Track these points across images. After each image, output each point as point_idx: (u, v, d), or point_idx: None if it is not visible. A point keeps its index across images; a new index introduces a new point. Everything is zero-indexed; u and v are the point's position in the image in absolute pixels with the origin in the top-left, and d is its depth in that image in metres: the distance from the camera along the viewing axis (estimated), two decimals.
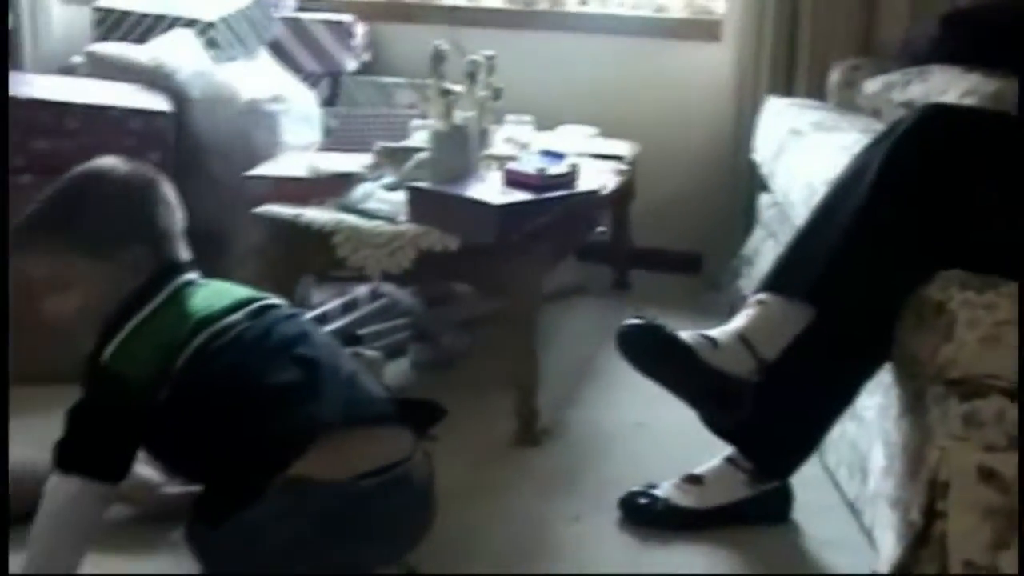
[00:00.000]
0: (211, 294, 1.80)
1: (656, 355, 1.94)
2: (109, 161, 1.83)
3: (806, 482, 2.15)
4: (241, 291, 1.84)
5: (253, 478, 1.65)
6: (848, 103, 2.96)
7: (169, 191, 1.84)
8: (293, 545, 1.64)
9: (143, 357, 1.70)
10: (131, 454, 1.74)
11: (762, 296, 2.00)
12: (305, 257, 2.43)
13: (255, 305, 1.80)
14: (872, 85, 2.75)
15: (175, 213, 1.83)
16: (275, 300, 1.86)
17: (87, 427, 1.70)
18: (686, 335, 1.95)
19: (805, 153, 2.60)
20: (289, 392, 1.69)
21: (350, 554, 1.67)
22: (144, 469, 1.97)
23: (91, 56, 2.94)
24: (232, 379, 1.71)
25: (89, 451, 1.69)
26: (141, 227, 1.78)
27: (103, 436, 1.70)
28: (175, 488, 1.98)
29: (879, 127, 2.27)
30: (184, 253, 1.84)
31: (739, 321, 2.00)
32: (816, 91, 3.17)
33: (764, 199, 3.06)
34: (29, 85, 2.72)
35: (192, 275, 1.83)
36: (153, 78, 2.78)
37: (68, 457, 1.69)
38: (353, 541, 1.66)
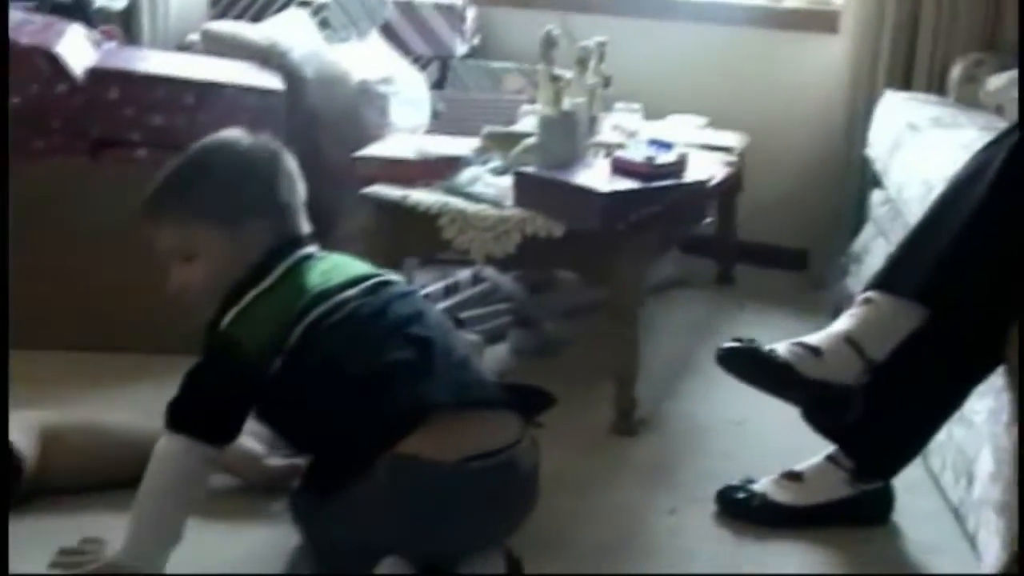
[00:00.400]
0: (329, 268, 1.82)
1: (756, 375, 1.94)
2: (233, 134, 1.87)
3: (909, 485, 2.11)
4: (359, 267, 1.86)
5: (361, 453, 1.67)
6: (969, 99, 2.89)
7: (291, 164, 1.86)
8: (396, 522, 1.66)
9: (259, 326, 1.73)
10: (239, 420, 1.76)
11: (871, 295, 1.96)
12: (410, 239, 2.45)
13: (371, 281, 1.81)
14: (996, 81, 2.68)
15: (297, 186, 1.86)
16: (392, 277, 1.87)
17: (200, 389, 1.74)
18: (785, 350, 1.93)
19: (922, 149, 2.54)
20: (401, 370, 1.70)
21: (451, 535, 1.68)
22: (249, 441, 2.01)
23: (206, 34, 2.99)
24: (345, 354, 1.72)
25: (199, 413, 1.73)
26: (264, 199, 1.81)
27: (214, 399, 1.73)
28: (278, 461, 2.02)
29: (1001, 125, 2.22)
30: (304, 226, 1.86)
31: (845, 322, 1.97)
32: (936, 86, 3.10)
33: (876, 196, 3.00)
34: (146, 61, 2.78)
35: (311, 248, 1.85)
36: (266, 57, 2.82)
37: (178, 417, 1.73)
38: (456, 522, 1.66)
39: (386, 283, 1.83)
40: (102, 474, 1.96)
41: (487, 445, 1.68)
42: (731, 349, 1.95)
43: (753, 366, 1.93)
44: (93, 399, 2.37)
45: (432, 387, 1.68)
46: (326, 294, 1.76)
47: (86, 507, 1.93)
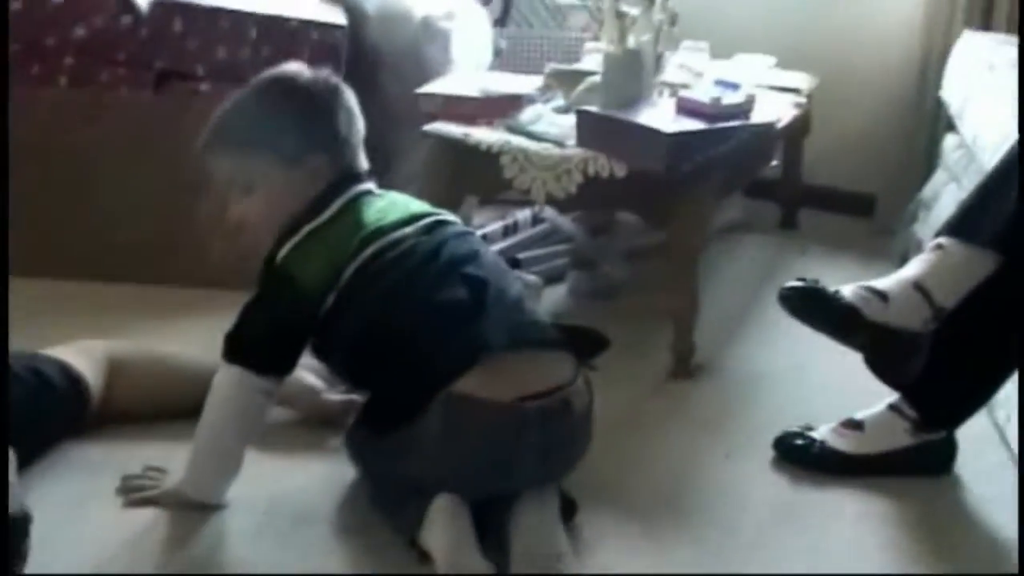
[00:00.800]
0: (386, 206, 1.81)
1: (820, 317, 1.91)
2: (294, 68, 1.86)
3: (973, 436, 2.07)
4: (416, 205, 1.85)
5: (416, 393, 1.67)
6: None
7: (351, 100, 1.86)
8: (450, 462, 1.66)
9: (314, 261, 1.73)
10: (293, 353, 1.78)
11: (942, 241, 1.92)
12: (470, 177, 2.43)
13: (428, 220, 1.81)
14: None
15: (356, 122, 1.85)
16: (448, 217, 1.86)
17: (255, 322, 1.75)
18: (851, 293, 1.90)
19: (1000, 93, 2.47)
20: (456, 310, 1.70)
21: (504, 475, 1.69)
22: (308, 376, 2.02)
23: None
24: (400, 292, 1.72)
25: (253, 345, 1.74)
26: (323, 134, 1.80)
27: (268, 332, 1.75)
28: (336, 396, 2.03)
29: None
30: (363, 163, 1.86)
31: (915, 268, 1.94)
32: (1017, 26, 3.00)
33: (949, 140, 2.93)
34: None
35: (369, 185, 1.84)
36: None
37: (234, 349, 1.74)
38: (509, 463, 1.67)
39: (443, 222, 1.83)
40: (165, 404, 1.99)
41: (540, 386, 1.68)
42: (794, 289, 1.91)
43: (816, 307, 1.90)
44: (157, 331, 2.39)
45: (486, 328, 1.68)
46: (382, 231, 1.76)
47: (150, 436, 1.97)
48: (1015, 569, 1.69)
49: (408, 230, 1.78)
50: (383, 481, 1.78)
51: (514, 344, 1.68)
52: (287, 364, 1.77)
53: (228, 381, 1.73)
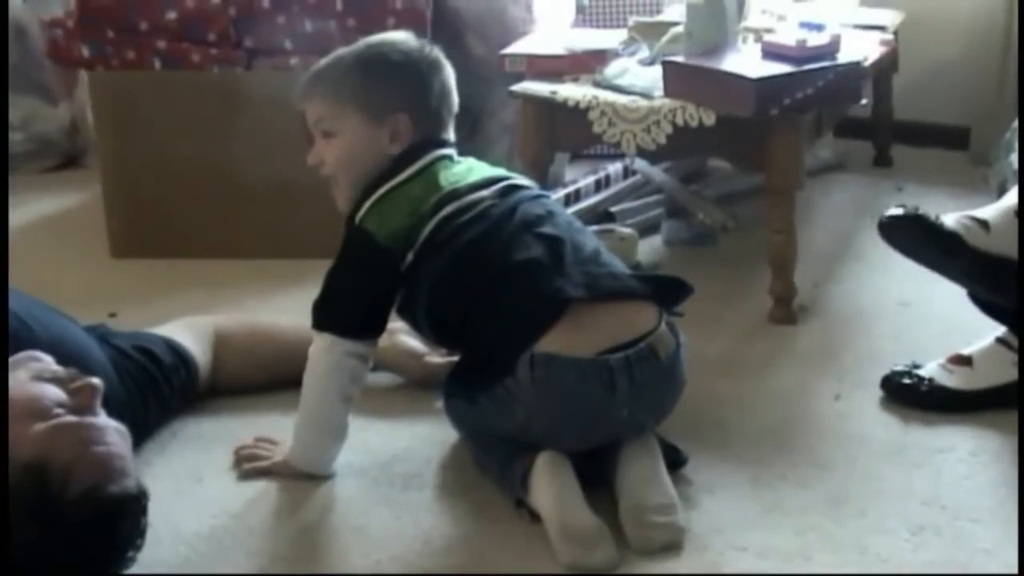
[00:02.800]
0: (463, 170, 1.84)
1: (922, 245, 1.89)
2: (400, 35, 1.90)
3: None
4: (492, 170, 1.87)
5: (500, 352, 1.69)
6: None
7: (450, 75, 1.88)
8: (541, 419, 1.68)
9: (390, 218, 1.76)
10: (379, 313, 1.80)
11: None
12: (560, 134, 2.44)
13: (503, 184, 1.83)
14: None
15: (450, 96, 1.87)
16: (523, 180, 1.88)
17: (339, 286, 1.78)
18: (953, 221, 1.87)
19: None
20: (533, 268, 1.71)
21: (596, 428, 1.70)
22: (410, 340, 2.05)
23: None
24: (477, 251, 1.74)
25: (338, 309, 1.78)
26: (412, 100, 1.83)
27: (353, 294, 1.78)
28: (439, 358, 2.06)
29: None
30: (449, 134, 1.88)
31: (1014, 196, 1.90)
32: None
33: None
34: None
35: (449, 151, 1.86)
36: None
37: (321, 315, 1.78)
38: (603, 414, 1.68)
39: (517, 186, 1.84)
40: (274, 374, 2.03)
41: (624, 336, 1.68)
42: (896, 217, 1.89)
43: (918, 235, 1.88)
44: (260, 304, 2.45)
45: (565, 283, 1.69)
46: (458, 193, 1.78)
47: (262, 408, 2.01)
48: None
49: (484, 193, 1.79)
50: (484, 441, 1.80)
51: (594, 297, 1.69)
52: (376, 325, 1.80)
53: (321, 349, 1.77)
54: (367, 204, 1.78)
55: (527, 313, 1.68)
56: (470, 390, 1.76)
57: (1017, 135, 2.11)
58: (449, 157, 1.85)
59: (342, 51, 1.87)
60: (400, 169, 1.80)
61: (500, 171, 1.88)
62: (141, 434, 1.81)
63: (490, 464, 1.78)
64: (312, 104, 1.84)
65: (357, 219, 1.78)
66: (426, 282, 1.75)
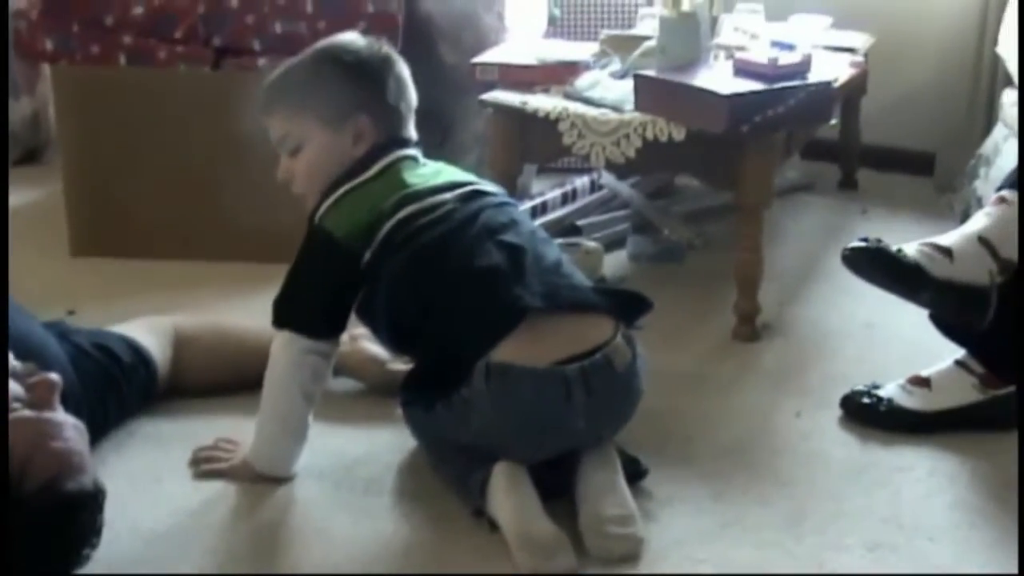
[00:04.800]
0: (429, 172, 1.84)
1: (885, 277, 1.90)
2: (349, 36, 1.89)
3: None
4: (457, 174, 1.87)
5: (457, 360, 1.68)
6: None
7: (403, 69, 1.88)
8: (497, 428, 1.68)
9: (350, 217, 1.75)
10: (339, 311, 1.79)
11: (1005, 194, 1.91)
12: (529, 144, 2.44)
13: (467, 188, 1.82)
14: None
15: (407, 92, 1.87)
16: (489, 187, 1.87)
17: (298, 284, 1.78)
18: (915, 251, 1.89)
19: None
20: (493, 276, 1.71)
21: (556, 436, 1.70)
22: (373, 346, 2.04)
23: None
24: (436, 255, 1.73)
25: (299, 308, 1.77)
26: (371, 100, 1.82)
27: (312, 293, 1.77)
28: (401, 365, 2.04)
29: None
30: (410, 131, 1.88)
31: (978, 222, 1.93)
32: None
33: (1007, 95, 2.89)
34: None
35: (413, 151, 1.86)
36: None
37: (280, 313, 1.77)
38: (559, 424, 1.68)
39: (482, 192, 1.84)
40: (234, 375, 2.01)
41: (580, 347, 1.68)
42: (858, 249, 1.91)
43: (881, 266, 1.89)
44: (223, 306, 2.43)
45: (524, 291, 1.68)
46: (421, 194, 1.77)
47: (222, 409, 1.99)
48: None
49: (447, 196, 1.79)
50: (441, 450, 1.80)
51: (552, 307, 1.69)
52: (337, 323, 1.79)
53: (282, 346, 1.76)
54: (327, 203, 1.78)
55: (484, 321, 1.68)
56: (426, 397, 1.75)
57: (985, 161, 2.12)
58: (414, 158, 1.85)
59: (293, 61, 1.86)
60: (364, 168, 1.80)
61: (467, 176, 1.88)
62: (99, 432, 1.79)
63: (447, 473, 1.78)
64: (273, 122, 1.84)
65: (317, 218, 1.78)
66: (385, 282, 1.74)
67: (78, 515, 1.45)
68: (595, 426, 1.71)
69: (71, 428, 1.48)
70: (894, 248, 1.91)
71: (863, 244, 1.92)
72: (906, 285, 1.90)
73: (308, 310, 1.77)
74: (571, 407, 1.66)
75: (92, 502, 1.47)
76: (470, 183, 1.85)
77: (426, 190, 1.78)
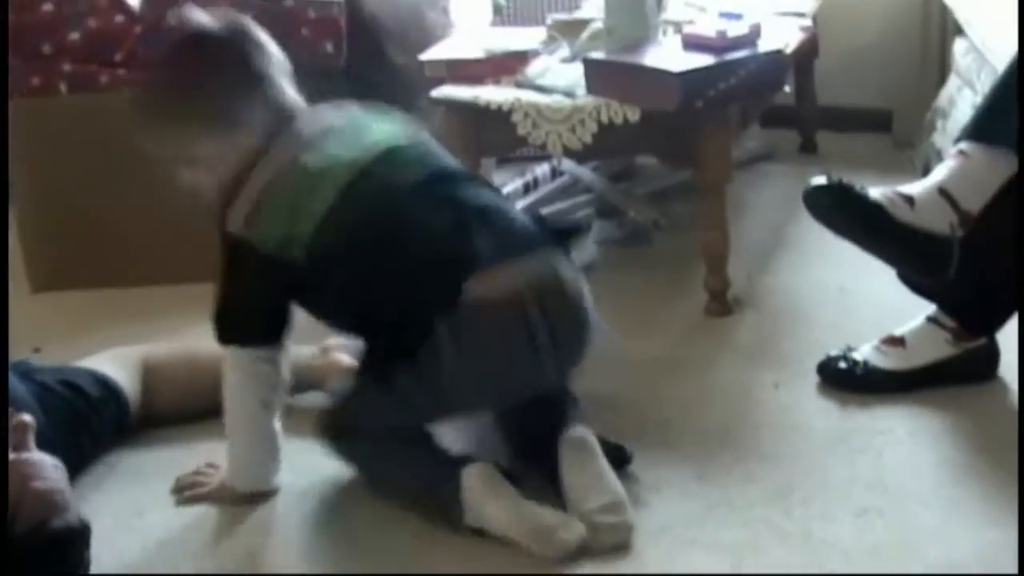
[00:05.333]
0: (331, 145, 1.74)
1: (846, 216, 1.88)
2: (194, 21, 1.77)
3: (1013, 338, 2.06)
4: (361, 129, 1.79)
5: (418, 316, 1.66)
6: None
7: (258, 33, 1.78)
8: (470, 373, 1.66)
9: (271, 227, 1.69)
10: (279, 316, 1.76)
11: (963, 146, 1.91)
12: (484, 138, 2.42)
13: (380, 150, 1.75)
14: None
15: (271, 54, 1.78)
16: (400, 137, 1.80)
17: (233, 299, 1.74)
18: (878, 193, 1.88)
19: None
20: (436, 230, 1.69)
21: (520, 376, 1.70)
22: (345, 356, 2.02)
23: None
24: (374, 232, 1.69)
25: (238, 321, 1.75)
26: (244, 83, 1.74)
27: (248, 306, 1.75)
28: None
29: None
30: (292, 92, 1.79)
31: (938, 174, 1.92)
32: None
33: (959, 45, 2.89)
34: None
35: (307, 117, 1.78)
36: None
37: (222, 330, 1.75)
38: (522, 363, 1.68)
39: (397, 148, 1.76)
40: (207, 400, 1.98)
41: (533, 282, 1.68)
42: (820, 188, 1.89)
43: (843, 205, 1.87)
44: (194, 330, 2.38)
45: (472, 243, 1.67)
46: (334, 176, 1.70)
47: (199, 437, 1.97)
48: None
49: (362, 165, 1.71)
50: (396, 466, 1.75)
51: (503, 253, 1.68)
52: (279, 327, 1.76)
53: (232, 362, 1.75)
54: (241, 213, 1.70)
55: (439, 279, 1.67)
56: (385, 373, 1.71)
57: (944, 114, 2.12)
58: (310, 142, 1.74)
59: (155, 72, 1.78)
60: (264, 159, 1.72)
61: (377, 128, 1.79)
62: (75, 469, 1.76)
63: (410, 489, 1.74)
64: (158, 143, 1.76)
65: (236, 231, 1.71)
66: (327, 274, 1.71)
67: (67, 552, 1.46)
68: (559, 360, 1.71)
69: (51, 467, 1.49)
70: (857, 187, 1.89)
71: (825, 182, 1.89)
72: (867, 226, 1.88)
73: (248, 323, 1.75)
74: (535, 340, 1.66)
75: (79, 538, 1.48)
76: (383, 141, 1.77)
77: (339, 170, 1.71)
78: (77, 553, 1.47)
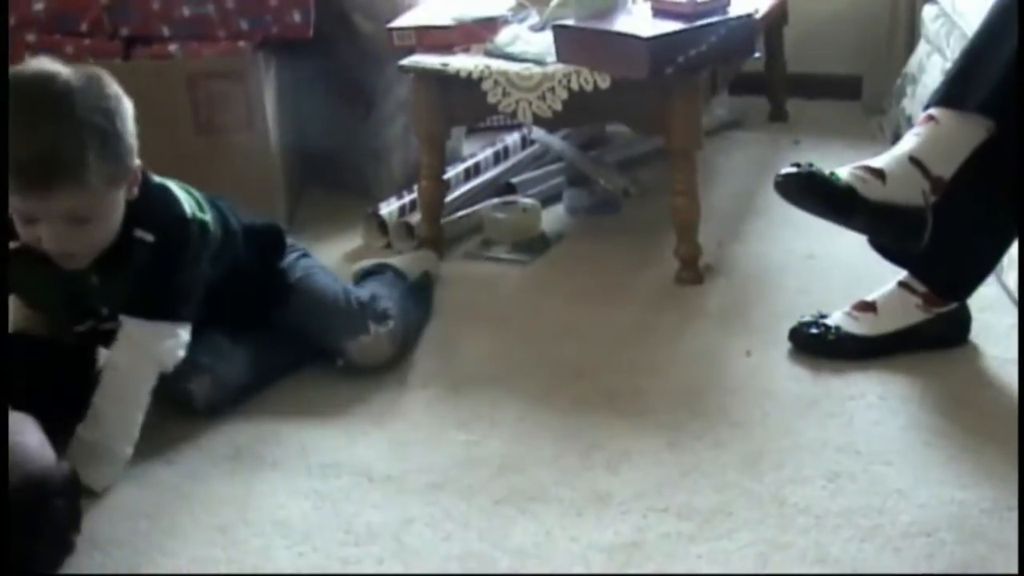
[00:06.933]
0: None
1: (818, 201, 1.89)
2: (59, 78, 1.64)
3: (985, 303, 2.08)
4: None
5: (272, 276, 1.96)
6: None
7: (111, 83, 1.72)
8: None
9: (193, 198, 1.83)
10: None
11: (933, 112, 1.91)
12: (454, 107, 2.40)
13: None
14: None
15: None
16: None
17: (190, 280, 1.83)
18: (847, 174, 1.88)
19: None
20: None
21: None
22: None
23: None
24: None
25: (191, 299, 1.84)
26: (129, 131, 1.70)
27: (198, 282, 1.85)
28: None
29: None
30: None
31: (908, 142, 1.92)
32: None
33: (928, 11, 2.90)
34: None
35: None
36: None
37: (176, 309, 1.82)
38: None
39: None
40: None
41: None
42: (790, 175, 1.89)
43: (813, 192, 1.88)
44: None
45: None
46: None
47: None
48: None
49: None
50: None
51: None
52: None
53: (164, 338, 1.82)
54: (178, 196, 1.80)
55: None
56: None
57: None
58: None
59: (54, 120, 1.60)
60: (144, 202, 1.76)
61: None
62: None
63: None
64: (57, 199, 1.62)
65: (190, 215, 1.79)
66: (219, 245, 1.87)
67: (53, 500, 1.49)
68: None
69: (20, 420, 1.53)
70: (826, 172, 1.89)
71: (795, 170, 1.90)
72: (840, 210, 1.89)
73: (195, 299, 1.84)
74: None
75: (62, 486, 1.50)
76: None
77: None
78: (63, 502, 1.49)
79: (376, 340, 2.00)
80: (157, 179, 1.82)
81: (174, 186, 1.83)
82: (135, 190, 1.75)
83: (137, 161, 1.73)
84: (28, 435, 1.54)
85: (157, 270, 1.79)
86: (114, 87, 1.70)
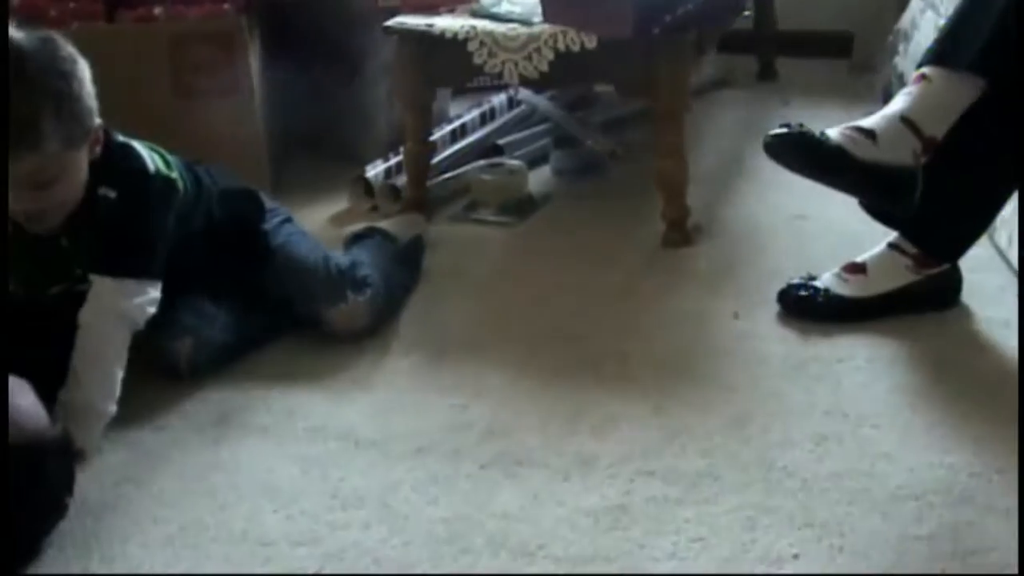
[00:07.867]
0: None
1: (809, 163, 1.87)
2: (14, 44, 1.62)
3: (976, 264, 2.07)
4: None
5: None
6: None
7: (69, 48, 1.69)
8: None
9: (163, 159, 1.82)
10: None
11: (926, 71, 1.89)
12: (440, 68, 2.38)
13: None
14: None
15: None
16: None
17: (154, 233, 1.80)
18: (838, 135, 1.86)
19: None
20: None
21: None
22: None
23: None
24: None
25: (154, 254, 1.81)
26: (89, 93, 1.68)
27: (162, 237, 1.83)
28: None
29: None
30: None
31: (900, 101, 1.90)
32: None
33: None
34: None
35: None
36: None
37: (140, 265, 1.80)
38: None
39: None
40: None
41: None
42: (780, 136, 1.87)
43: (803, 152, 1.86)
44: None
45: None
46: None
47: None
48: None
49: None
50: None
51: None
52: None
53: (132, 295, 1.80)
54: (141, 154, 1.78)
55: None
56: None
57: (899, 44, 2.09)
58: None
59: (16, 96, 1.59)
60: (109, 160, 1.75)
61: None
62: None
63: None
64: (15, 165, 1.61)
65: (153, 170, 1.78)
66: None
67: (47, 462, 1.49)
68: None
69: (12, 383, 1.51)
70: (817, 132, 1.88)
71: (785, 131, 1.88)
72: (830, 170, 1.87)
73: (158, 255, 1.81)
74: None
75: (52, 446, 1.51)
76: None
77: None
78: (55, 464, 1.49)
79: (354, 308, 1.99)
80: (121, 138, 1.80)
81: (138, 144, 1.82)
82: (97, 150, 1.73)
83: (98, 120, 1.70)
84: (21, 397, 1.53)
85: (121, 224, 1.77)
86: (68, 48, 1.66)
